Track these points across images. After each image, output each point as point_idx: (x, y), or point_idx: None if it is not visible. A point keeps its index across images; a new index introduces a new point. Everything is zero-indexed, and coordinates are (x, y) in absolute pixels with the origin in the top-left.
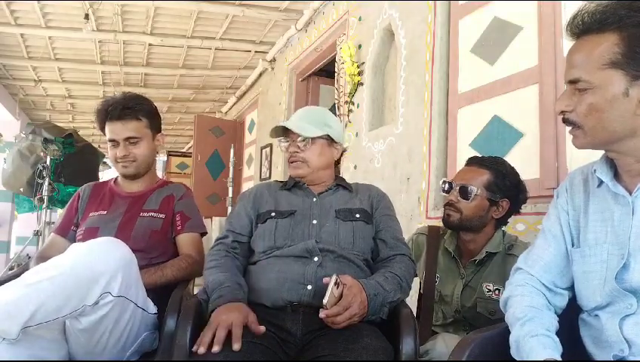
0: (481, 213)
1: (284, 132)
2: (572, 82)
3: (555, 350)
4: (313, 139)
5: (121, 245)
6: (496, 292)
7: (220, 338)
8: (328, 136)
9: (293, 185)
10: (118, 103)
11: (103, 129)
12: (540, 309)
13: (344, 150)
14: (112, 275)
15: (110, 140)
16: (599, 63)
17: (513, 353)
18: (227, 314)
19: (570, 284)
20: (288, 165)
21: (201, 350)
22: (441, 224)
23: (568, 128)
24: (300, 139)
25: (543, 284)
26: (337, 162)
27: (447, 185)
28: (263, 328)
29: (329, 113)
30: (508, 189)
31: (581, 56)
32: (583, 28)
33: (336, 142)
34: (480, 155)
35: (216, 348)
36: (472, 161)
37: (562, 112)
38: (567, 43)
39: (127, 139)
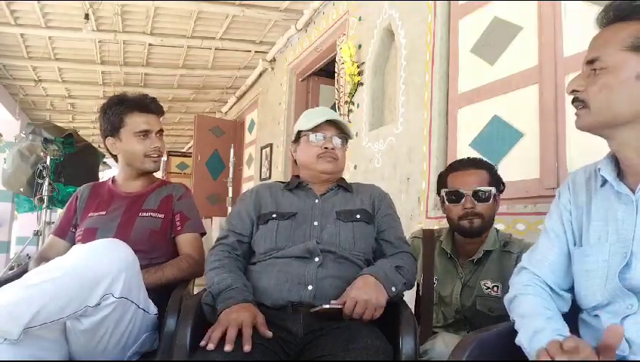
0: (493, 212)
1: (315, 127)
2: (590, 62)
3: None
4: (347, 141)
5: (123, 246)
6: (495, 289)
7: (231, 337)
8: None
9: (296, 186)
10: (149, 98)
11: (119, 122)
12: (556, 312)
13: None
14: (114, 277)
15: (143, 131)
16: (620, 45)
17: (525, 340)
18: (237, 314)
19: (572, 285)
20: (316, 160)
21: (210, 346)
22: (437, 226)
23: (574, 108)
24: (337, 139)
25: (549, 286)
26: None
27: (456, 194)
28: (270, 333)
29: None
30: (498, 183)
31: (604, 39)
32: (612, 18)
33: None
34: (465, 158)
35: (228, 347)
36: (466, 164)
37: (573, 91)
38: (567, 43)
39: (159, 131)
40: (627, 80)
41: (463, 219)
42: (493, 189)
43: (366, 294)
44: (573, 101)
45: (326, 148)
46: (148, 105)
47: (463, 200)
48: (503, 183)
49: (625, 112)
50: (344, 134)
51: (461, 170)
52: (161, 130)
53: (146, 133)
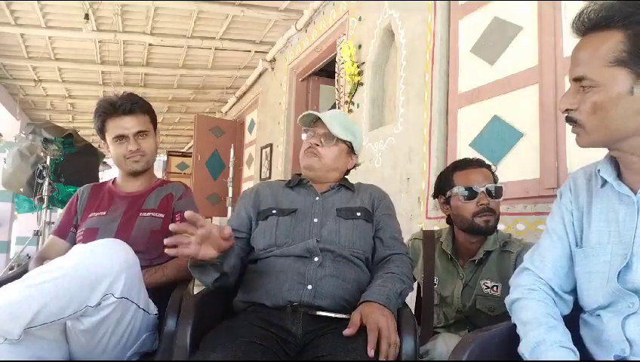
0: (499, 210)
1: (311, 123)
2: (577, 80)
3: None
4: (337, 140)
5: (124, 247)
6: (495, 288)
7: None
8: (350, 144)
9: (297, 183)
10: (125, 99)
11: (102, 128)
12: (559, 321)
13: (357, 164)
14: (115, 277)
15: (118, 136)
16: (605, 61)
17: (526, 351)
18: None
19: (574, 286)
20: (302, 155)
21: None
22: (437, 226)
23: (571, 127)
24: (325, 135)
25: (552, 289)
26: (347, 172)
27: (470, 191)
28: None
29: (357, 125)
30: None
31: (586, 54)
32: (589, 25)
33: (354, 154)
34: (470, 158)
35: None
36: (474, 163)
37: (566, 110)
38: (567, 43)
39: (138, 133)
40: (619, 97)
41: (477, 216)
42: (503, 186)
43: (384, 323)
44: (567, 120)
45: (310, 142)
46: (120, 108)
47: (478, 196)
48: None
49: (622, 128)
50: (345, 139)
51: (470, 168)
52: (142, 131)
53: (121, 138)
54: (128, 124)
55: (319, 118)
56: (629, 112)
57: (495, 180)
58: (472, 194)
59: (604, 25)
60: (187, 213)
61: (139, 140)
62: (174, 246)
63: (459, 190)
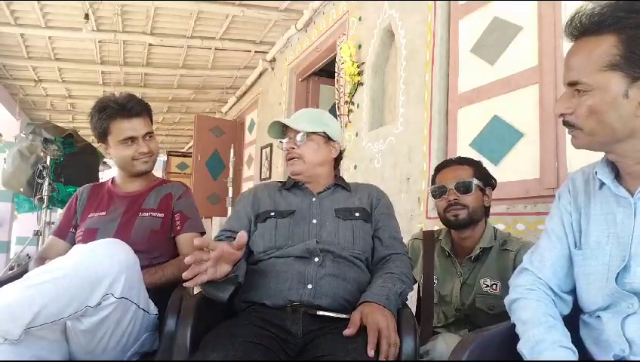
0: (480, 204)
1: (283, 133)
2: (571, 84)
3: None
4: (309, 135)
5: (124, 247)
6: (494, 286)
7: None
8: (325, 133)
9: (292, 185)
10: (132, 101)
11: (106, 129)
12: (558, 320)
13: (342, 149)
14: (115, 277)
15: (127, 138)
16: (598, 65)
17: (526, 350)
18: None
19: (573, 287)
20: (286, 164)
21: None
22: (437, 226)
23: (567, 129)
24: (298, 136)
25: (551, 289)
26: (337, 162)
27: (440, 189)
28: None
29: (327, 113)
30: (487, 178)
31: (580, 59)
32: (581, 29)
33: (333, 141)
34: (454, 157)
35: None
36: (449, 162)
37: (562, 115)
38: (567, 43)
39: (146, 134)
40: (614, 100)
41: (447, 211)
42: (474, 180)
43: (384, 323)
44: (564, 123)
45: (287, 149)
46: (130, 110)
47: (447, 193)
48: (494, 179)
49: (619, 131)
50: (317, 131)
51: (446, 168)
52: (149, 133)
53: (131, 140)
54: (139, 125)
55: (287, 125)
56: (624, 115)
57: (475, 176)
58: (442, 192)
59: (597, 29)
60: (196, 241)
61: (148, 142)
62: (191, 278)
63: (431, 189)
